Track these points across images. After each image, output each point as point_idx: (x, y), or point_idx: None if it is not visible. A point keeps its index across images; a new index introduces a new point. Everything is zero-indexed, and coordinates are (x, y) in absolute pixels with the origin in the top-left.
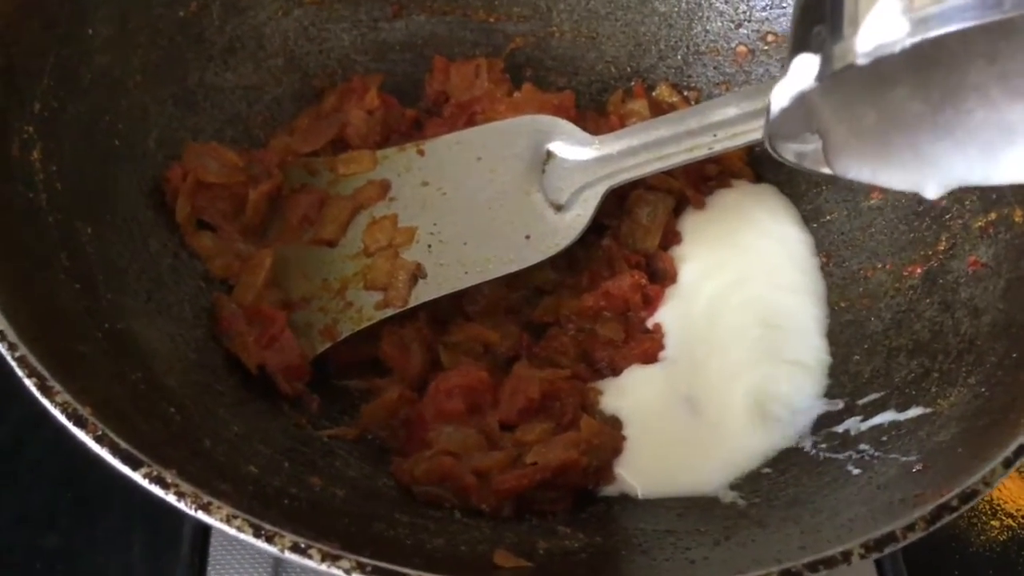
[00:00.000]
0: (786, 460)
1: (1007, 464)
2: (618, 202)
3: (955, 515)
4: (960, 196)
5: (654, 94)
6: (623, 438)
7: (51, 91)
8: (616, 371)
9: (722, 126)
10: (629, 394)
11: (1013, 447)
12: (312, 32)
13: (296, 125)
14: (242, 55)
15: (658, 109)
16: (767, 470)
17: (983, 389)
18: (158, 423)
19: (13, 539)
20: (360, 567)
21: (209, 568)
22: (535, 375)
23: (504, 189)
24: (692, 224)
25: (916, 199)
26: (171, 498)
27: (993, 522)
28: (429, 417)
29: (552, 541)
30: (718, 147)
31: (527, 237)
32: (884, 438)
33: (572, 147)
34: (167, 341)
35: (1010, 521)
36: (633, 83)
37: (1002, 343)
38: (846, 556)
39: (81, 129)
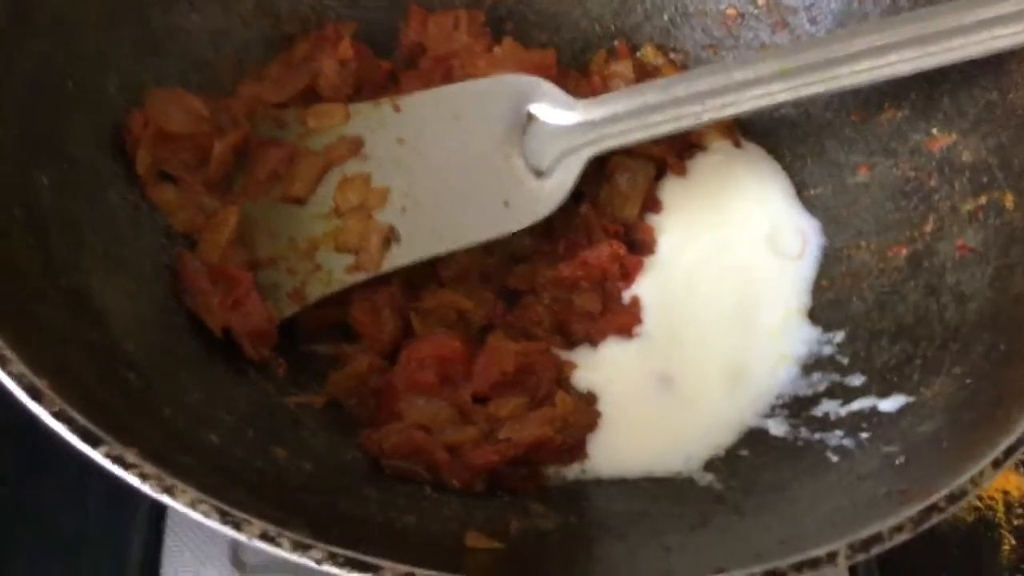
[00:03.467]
0: (763, 443)
1: (996, 464)
2: (597, 168)
3: (943, 516)
4: (950, 177)
5: (638, 55)
6: (598, 414)
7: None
8: (593, 343)
9: (711, 95)
10: (605, 369)
11: (1002, 447)
12: None
13: (266, 73)
14: None
15: (642, 71)
16: (744, 452)
17: (968, 380)
18: (116, 390)
19: None
20: (332, 557)
21: (168, 517)
22: (510, 347)
23: (483, 152)
24: (673, 191)
25: (904, 177)
26: (133, 480)
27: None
28: (400, 387)
29: (525, 520)
30: (706, 117)
31: (506, 203)
32: (864, 424)
33: (555, 110)
34: (125, 300)
35: (977, 502)
36: (617, 43)
37: (989, 333)
38: (831, 557)
39: (30, 71)
